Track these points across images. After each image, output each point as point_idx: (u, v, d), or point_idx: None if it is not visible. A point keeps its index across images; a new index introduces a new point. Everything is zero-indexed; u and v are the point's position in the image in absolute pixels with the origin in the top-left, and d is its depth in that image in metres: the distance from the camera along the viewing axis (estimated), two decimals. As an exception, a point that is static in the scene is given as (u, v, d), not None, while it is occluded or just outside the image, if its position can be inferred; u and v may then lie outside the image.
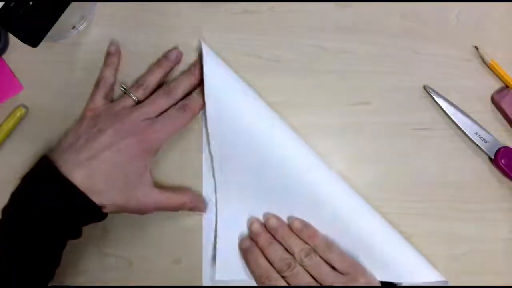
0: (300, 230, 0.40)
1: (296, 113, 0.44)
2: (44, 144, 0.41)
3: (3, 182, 0.40)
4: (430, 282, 0.40)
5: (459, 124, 0.45)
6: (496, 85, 0.47)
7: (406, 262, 0.41)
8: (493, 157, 0.45)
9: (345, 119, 0.45)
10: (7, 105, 0.41)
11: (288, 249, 0.40)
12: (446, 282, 0.41)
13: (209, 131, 0.41)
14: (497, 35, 0.48)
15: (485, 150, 0.45)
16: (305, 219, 0.41)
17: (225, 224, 0.41)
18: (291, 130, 0.41)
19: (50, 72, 0.42)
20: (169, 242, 0.41)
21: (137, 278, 0.41)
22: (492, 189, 0.46)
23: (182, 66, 0.43)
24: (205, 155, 0.42)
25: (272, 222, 0.41)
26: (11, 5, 0.34)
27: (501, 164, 0.45)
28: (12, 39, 0.41)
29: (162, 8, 0.43)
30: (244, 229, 0.42)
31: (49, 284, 0.35)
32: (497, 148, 0.45)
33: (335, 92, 0.45)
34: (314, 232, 0.40)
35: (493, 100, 0.47)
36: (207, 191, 0.42)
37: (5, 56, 0.41)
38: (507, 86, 0.47)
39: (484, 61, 0.47)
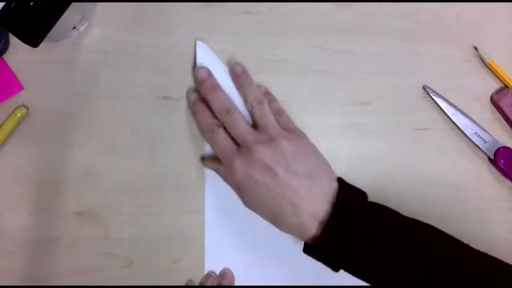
0: (265, 93, 0.43)
1: (296, 113, 0.44)
2: (45, 144, 0.41)
3: (4, 182, 0.40)
4: None
5: (458, 124, 0.45)
6: (496, 85, 0.47)
7: None
8: (492, 157, 0.45)
9: (345, 119, 0.45)
10: (8, 105, 0.41)
11: (243, 95, 0.41)
12: None
13: (206, 148, 0.42)
14: (496, 36, 0.48)
15: (484, 150, 0.45)
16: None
17: (212, 219, 0.42)
18: None
19: (51, 72, 0.42)
20: (169, 241, 0.42)
21: (137, 278, 0.41)
22: (491, 189, 0.46)
23: (182, 67, 0.43)
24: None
25: (237, 68, 0.42)
26: (12, 5, 0.34)
27: (500, 164, 0.45)
28: (13, 39, 0.41)
29: (162, 8, 0.44)
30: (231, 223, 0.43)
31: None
32: (496, 148, 0.45)
33: (335, 92, 0.45)
34: (273, 97, 0.43)
35: (492, 100, 0.47)
36: (209, 190, 0.42)
37: (5, 56, 0.41)
38: (506, 86, 0.47)
39: (483, 61, 0.47)
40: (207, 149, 0.42)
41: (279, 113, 0.41)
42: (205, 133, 0.40)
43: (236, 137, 0.38)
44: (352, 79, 0.45)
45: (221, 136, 0.39)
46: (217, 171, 0.41)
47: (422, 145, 0.45)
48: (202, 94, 0.41)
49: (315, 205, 0.36)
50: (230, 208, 0.42)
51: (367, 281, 0.36)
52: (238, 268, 0.42)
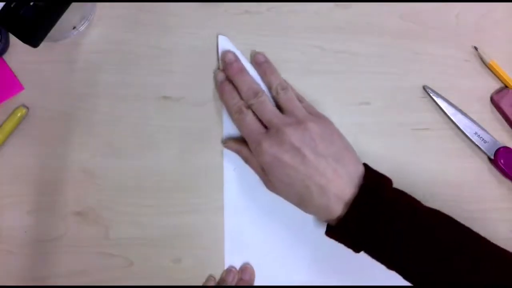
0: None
1: (296, 113, 0.44)
2: (44, 144, 0.41)
3: (4, 182, 0.40)
4: None
5: (458, 124, 0.45)
6: (496, 85, 0.47)
7: None
8: (492, 157, 0.45)
9: (345, 119, 0.45)
10: (8, 105, 0.41)
11: (267, 82, 0.41)
12: None
13: (224, 130, 0.42)
14: (496, 36, 0.48)
15: (484, 150, 0.45)
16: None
17: (231, 210, 0.42)
18: None
19: (51, 72, 0.42)
20: (169, 241, 0.42)
21: (138, 278, 0.41)
22: (491, 189, 0.46)
23: (182, 67, 0.43)
24: (225, 150, 0.43)
25: (259, 57, 0.43)
26: (12, 5, 0.34)
27: (500, 164, 0.45)
28: (13, 39, 0.41)
29: (162, 8, 0.44)
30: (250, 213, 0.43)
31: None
32: (496, 148, 0.45)
33: (335, 92, 0.45)
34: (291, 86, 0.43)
35: (492, 100, 0.47)
36: (228, 184, 0.43)
37: (5, 56, 0.41)
38: (506, 86, 0.47)
39: (483, 62, 0.47)
40: (226, 132, 0.42)
41: (300, 99, 0.42)
42: (233, 114, 0.40)
43: (264, 119, 0.39)
44: (352, 79, 0.45)
45: (250, 117, 0.39)
46: (239, 153, 0.41)
47: (422, 145, 0.45)
48: (229, 76, 0.41)
49: (341, 187, 0.36)
50: (249, 201, 0.42)
51: (386, 266, 0.37)
52: (258, 262, 0.42)
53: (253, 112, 0.39)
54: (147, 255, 0.41)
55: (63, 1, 0.36)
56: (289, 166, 0.36)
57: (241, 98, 0.40)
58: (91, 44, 0.42)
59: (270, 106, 0.39)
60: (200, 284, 0.42)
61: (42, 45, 0.36)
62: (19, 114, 0.40)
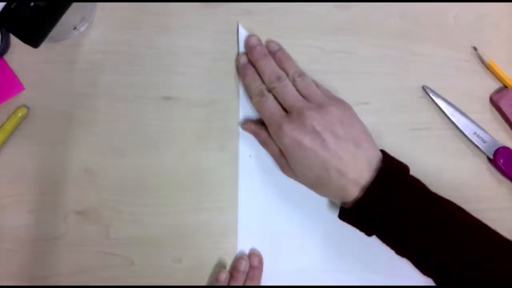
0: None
1: (296, 113, 0.44)
2: (45, 143, 0.41)
3: (5, 181, 0.40)
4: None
5: (457, 124, 0.46)
6: (495, 85, 0.47)
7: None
8: (491, 157, 0.45)
9: (344, 119, 0.45)
10: (9, 105, 0.41)
11: (283, 70, 0.41)
12: None
13: (240, 113, 0.43)
14: (495, 36, 0.48)
15: (483, 150, 0.45)
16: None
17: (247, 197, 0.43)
18: None
19: (51, 72, 0.42)
20: (170, 241, 0.42)
21: (138, 277, 0.41)
22: (490, 188, 0.46)
23: (182, 67, 0.43)
24: (241, 141, 0.43)
25: (273, 45, 0.43)
26: (13, 6, 0.34)
27: (500, 164, 0.45)
28: (14, 40, 0.41)
29: (162, 9, 0.44)
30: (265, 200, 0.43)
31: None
32: (495, 148, 0.45)
33: (334, 92, 0.45)
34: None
35: (491, 100, 0.47)
36: (243, 171, 0.43)
37: (6, 57, 0.41)
38: (505, 87, 0.47)
39: (482, 62, 0.47)
40: (242, 116, 0.43)
41: (316, 84, 0.42)
42: (255, 96, 0.41)
43: (285, 102, 0.39)
44: (351, 79, 0.45)
45: (271, 100, 0.40)
46: (257, 135, 0.42)
47: (421, 145, 0.45)
48: (252, 60, 0.42)
49: (360, 171, 0.37)
50: (263, 187, 0.43)
51: (395, 251, 0.37)
52: (272, 247, 0.42)
53: (274, 96, 0.40)
54: (147, 254, 0.41)
55: (64, 2, 0.36)
56: (309, 149, 0.37)
57: (263, 81, 0.41)
58: (92, 44, 0.43)
59: (293, 90, 0.40)
60: (201, 283, 0.42)
61: (42, 45, 0.36)
62: (19, 114, 0.40)
